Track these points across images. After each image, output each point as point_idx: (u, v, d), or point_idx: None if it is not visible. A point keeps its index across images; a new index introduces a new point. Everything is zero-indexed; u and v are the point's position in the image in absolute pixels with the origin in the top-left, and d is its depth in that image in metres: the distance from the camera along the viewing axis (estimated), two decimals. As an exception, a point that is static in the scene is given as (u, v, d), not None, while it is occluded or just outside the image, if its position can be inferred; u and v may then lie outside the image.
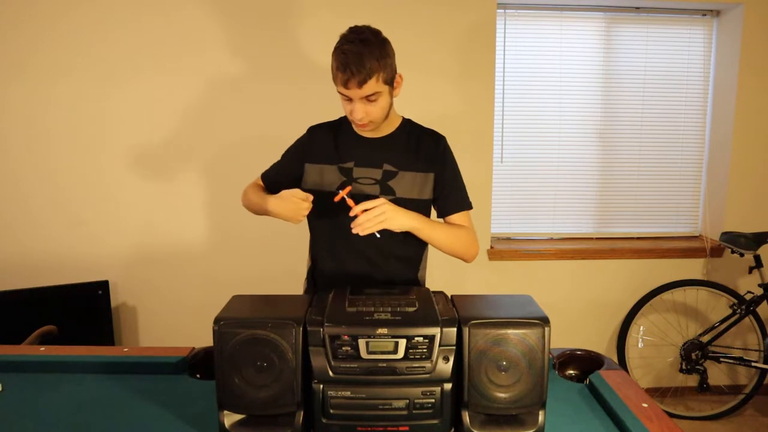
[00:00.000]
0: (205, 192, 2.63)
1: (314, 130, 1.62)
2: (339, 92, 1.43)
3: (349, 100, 1.42)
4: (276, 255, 2.63)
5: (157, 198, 2.61)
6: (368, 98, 1.40)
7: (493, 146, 2.71)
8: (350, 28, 1.42)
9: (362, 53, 1.35)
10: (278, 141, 2.55)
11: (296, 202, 1.41)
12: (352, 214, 1.32)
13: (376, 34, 1.42)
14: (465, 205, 1.59)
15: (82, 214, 2.59)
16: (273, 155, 2.57)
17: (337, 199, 1.39)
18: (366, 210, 1.32)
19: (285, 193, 1.47)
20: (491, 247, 2.77)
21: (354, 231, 1.30)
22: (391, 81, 1.44)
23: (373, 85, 1.37)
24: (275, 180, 1.67)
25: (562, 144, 2.87)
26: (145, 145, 2.58)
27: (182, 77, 2.54)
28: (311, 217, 1.58)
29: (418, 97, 2.62)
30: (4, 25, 2.44)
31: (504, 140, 2.82)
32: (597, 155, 2.90)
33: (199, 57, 2.53)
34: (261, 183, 1.70)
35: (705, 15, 2.83)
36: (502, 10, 2.71)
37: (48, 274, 2.59)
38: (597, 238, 2.95)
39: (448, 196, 1.56)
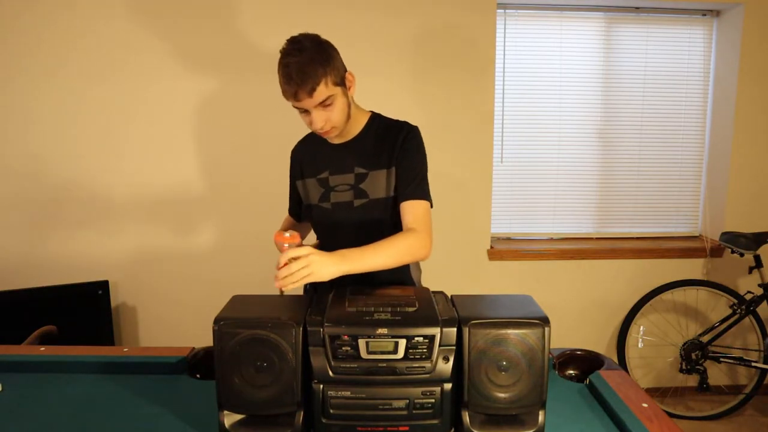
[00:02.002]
0: (205, 192, 2.63)
1: (295, 149, 1.66)
2: (294, 107, 1.41)
3: (305, 111, 1.40)
4: (276, 255, 2.62)
5: (157, 198, 2.61)
6: (323, 105, 1.38)
7: (493, 146, 2.71)
8: (288, 40, 1.39)
9: (303, 62, 1.33)
10: (278, 141, 2.57)
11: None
12: (277, 268, 1.19)
13: (313, 39, 1.39)
14: (417, 194, 1.47)
15: (81, 215, 2.59)
16: (272, 155, 2.58)
17: (277, 239, 1.28)
18: (287, 263, 1.19)
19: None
20: (491, 247, 2.77)
21: (276, 285, 1.17)
22: (341, 81, 1.41)
23: (323, 90, 1.35)
24: (293, 207, 1.73)
25: (562, 144, 2.87)
26: (145, 145, 2.58)
27: (182, 77, 2.54)
28: (313, 227, 1.66)
29: (418, 97, 2.62)
30: None
31: (504, 140, 2.82)
32: (597, 155, 2.90)
33: (199, 57, 2.53)
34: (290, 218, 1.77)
35: (705, 15, 2.83)
36: (502, 10, 2.71)
37: (48, 274, 2.59)
38: (597, 238, 2.95)
39: (400, 184, 1.49)
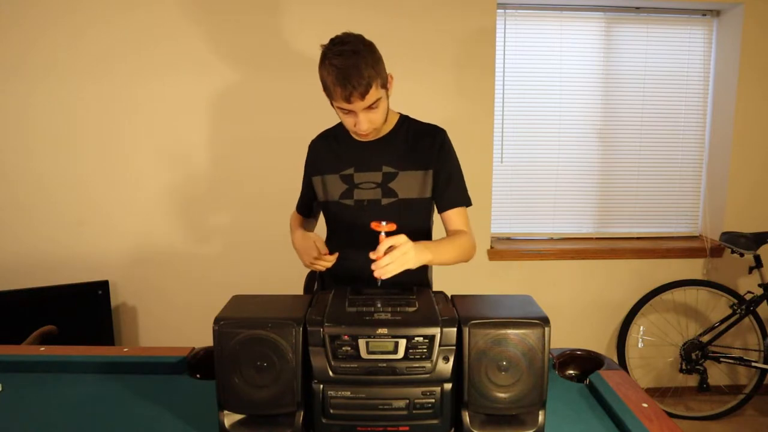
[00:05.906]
0: (205, 192, 2.63)
1: (313, 143, 1.64)
2: (338, 107, 1.40)
3: (349, 113, 1.39)
4: (276, 255, 2.62)
5: (157, 198, 2.61)
6: (371, 107, 1.38)
7: (493, 146, 2.71)
8: (334, 40, 1.37)
9: (358, 64, 1.31)
10: (278, 141, 2.57)
11: (312, 248, 1.45)
12: (373, 256, 1.20)
13: (362, 40, 1.37)
14: (462, 200, 1.54)
15: (81, 215, 2.59)
16: (273, 155, 2.59)
17: (375, 227, 1.26)
18: (386, 252, 1.21)
19: (312, 236, 1.50)
20: (491, 247, 2.77)
21: (376, 275, 1.18)
22: (385, 83, 1.42)
23: (374, 93, 1.35)
24: (304, 204, 1.71)
25: (562, 144, 2.87)
26: (145, 145, 2.57)
27: (183, 78, 2.53)
28: (328, 224, 1.64)
29: (418, 98, 2.62)
30: None
31: (504, 140, 2.82)
32: (597, 155, 2.90)
33: (199, 57, 2.53)
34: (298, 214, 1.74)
35: (705, 15, 2.83)
36: (502, 10, 2.71)
37: (48, 274, 2.59)
38: (597, 238, 2.95)
39: (445, 191, 1.53)
